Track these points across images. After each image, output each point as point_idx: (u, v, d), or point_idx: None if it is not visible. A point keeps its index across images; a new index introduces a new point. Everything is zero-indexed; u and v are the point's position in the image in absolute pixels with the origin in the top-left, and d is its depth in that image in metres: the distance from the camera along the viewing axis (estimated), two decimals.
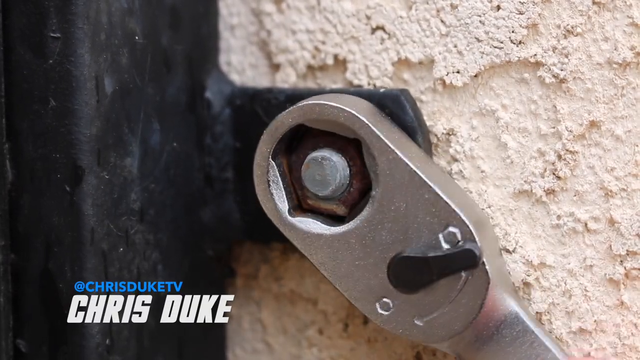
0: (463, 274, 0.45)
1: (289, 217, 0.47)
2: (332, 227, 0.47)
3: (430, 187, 0.45)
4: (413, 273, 0.45)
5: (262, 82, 0.55)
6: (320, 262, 0.47)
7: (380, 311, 0.46)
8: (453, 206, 0.45)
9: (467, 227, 0.44)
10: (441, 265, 0.44)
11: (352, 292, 0.47)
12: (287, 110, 0.47)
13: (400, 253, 0.45)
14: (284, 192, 0.48)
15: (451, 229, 0.45)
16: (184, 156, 0.52)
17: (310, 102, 0.47)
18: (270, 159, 0.47)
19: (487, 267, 0.45)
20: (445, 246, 0.45)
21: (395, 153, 0.45)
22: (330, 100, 0.47)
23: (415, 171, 0.45)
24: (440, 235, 0.45)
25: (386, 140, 0.45)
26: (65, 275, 0.47)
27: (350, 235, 0.46)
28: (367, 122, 0.46)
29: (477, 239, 0.44)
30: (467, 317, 0.45)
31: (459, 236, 0.45)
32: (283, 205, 0.48)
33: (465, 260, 0.44)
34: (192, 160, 0.52)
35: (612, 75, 0.46)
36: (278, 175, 0.48)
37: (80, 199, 0.46)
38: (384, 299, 0.46)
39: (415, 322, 0.46)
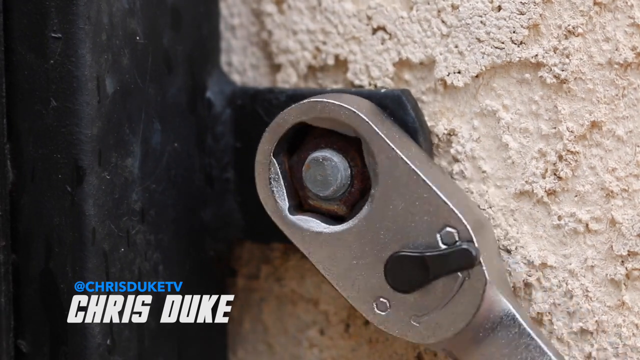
0: (460, 274, 0.45)
1: (289, 215, 0.47)
2: (331, 226, 0.47)
3: (429, 186, 0.45)
4: (410, 272, 0.45)
5: (263, 82, 0.55)
6: (318, 261, 0.47)
7: (377, 311, 0.46)
8: (451, 206, 0.45)
9: (465, 227, 0.44)
10: (438, 265, 0.44)
11: (350, 292, 0.47)
12: (288, 108, 0.47)
13: (397, 252, 0.45)
14: (284, 191, 0.48)
15: (449, 229, 0.45)
16: (184, 156, 0.52)
17: (311, 100, 0.47)
18: (272, 157, 0.47)
19: (484, 267, 0.45)
20: (443, 246, 0.45)
21: (395, 152, 0.45)
22: (332, 98, 0.47)
23: (414, 170, 0.45)
24: (438, 235, 0.45)
25: (386, 139, 0.45)
26: (66, 276, 0.47)
27: (349, 233, 0.46)
28: (367, 120, 0.46)
29: (474, 239, 0.44)
30: (463, 318, 0.45)
31: (456, 236, 0.45)
32: (283, 203, 0.48)
33: (462, 261, 0.44)
34: (193, 160, 0.52)
35: (613, 75, 0.46)
36: (279, 173, 0.48)
37: (81, 199, 0.46)
38: (381, 299, 0.46)
39: (412, 322, 0.46)
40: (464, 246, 0.44)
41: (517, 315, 0.45)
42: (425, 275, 0.45)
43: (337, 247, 0.47)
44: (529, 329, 0.45)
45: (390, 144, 0.45)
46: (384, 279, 0.46)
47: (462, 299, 0.45)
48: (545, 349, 0.45)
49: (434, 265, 0.44)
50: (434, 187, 0.45)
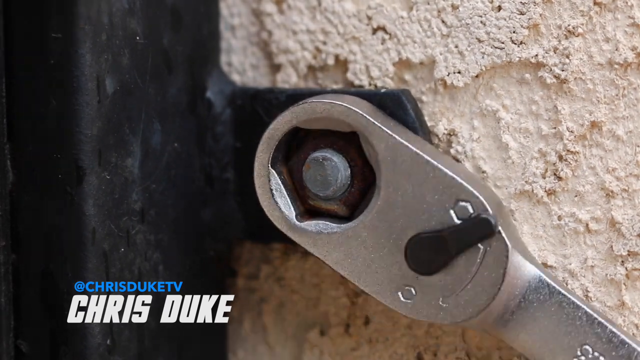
0: (481, 245, 0.44)
1: (298, 223, 0.47)
2: (343, 224, 0.47)
3: (434, 165, 0.45)
4: (431, 253, 0.45)
5: (263, 82, 0.55)
6: (335, 262, 0.47)
7: (404, 300, 0.46)
8: (459, 180, 0.44)
9: (477, 198, 0.44)
10: (458, 240, 0.44)
11: (373, 287, 0.46)
12: (279, 116, 0.47)
13: (414, 236, 0.45)
14: (288, 199, 0.48)
15: (461, 203, 0.44)
16: (184, 156, 0.52)
17: (301, 103, 0.47)
18: (270, 167, 0.47)
19: (503, 234, 0.44)
20: (458, 221, 0.44)
21: (394, 138, 0.45)
22: (327, 98, 0.47)
23: (416, 152, 0.45)
24: (452, 212, 0.44)
25: (382, 127, 0.45)
26: (66, 276, 0.47)
27: (362, 229, 0.46)
28: (361, 112, 0.46)
29: (489, 207, 0.44)
30: (491, 289, 0.44)
31: (470, 209, 0.44)
32: (289, 212, 0.47)
33: (481, 230, 0.43)
34: (193, 160, 0.52)
35: (613, 75, 0.46)
36: (280, 182, 0.47)
37: (81, 199, 0.46)
38: (406, 287, 0.46)
39: (441, 304, 0.45)
40: (481, 216, 0.44)
41: (544, 276, 0.45)
42: (447, 252, 0.44)
43: (351, 244, 0.46)
44: (558, 287, 0.45)
45: (388, 131, 0.45)
46: (405, 267, 0.45)
47: (487, 271, 0.44)
48: (578, 302, 0.45)
49: (454, 241, 0.44)
50: (439, 165, 0.45)
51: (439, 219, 0.45)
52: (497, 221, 0.43)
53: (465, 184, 0.44)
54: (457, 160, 0.50)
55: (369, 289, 0.46)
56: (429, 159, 0.45)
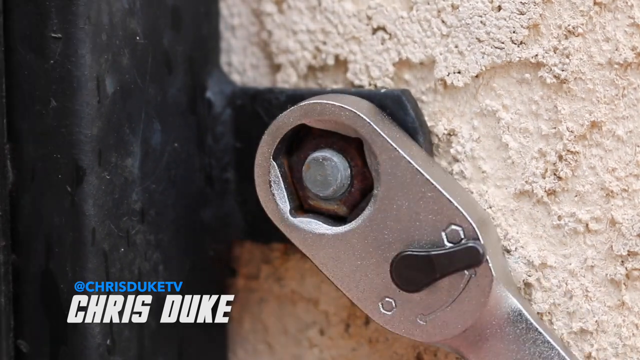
0: (466, 272, 0.45)
1: (291, 218, 0.47)
2: (334, 227, 0.47)
3: (433, 185, 0.45)
4: (416, 272, 0.45)
5: (263, 82, 0.55)
6: (321, 263, 0.47)
7: (382, 311, 0.46)
8: (455, 204, 0.45)
9: (470, 225, 0.44)
10: (444, 264, 0.44)
11: (354, 293, 0.47)
12: (288, 110, 0.47)
13: (403, 252, 0.45)
14: (285, 193, 0.48)
15: (454, 227, 0.45)
16: (184, 156, 0.52)
17: (311, 101, 0.47)
18: (272, 159, 0.47)
19: (490, 264, 0.45)
20: (448, 244, 0.45)
21: (397, 151, 0.45)
22: (332, 99, 0.47)
23: (417, 169, 0.45)
24: (443, 234, 0.45)
25: (388, 139, 0.45)
26: (66, 276, 0.47)
27: (352, 234, 0.46)
28: (369, 120, 0.46)
29: (480, 236, 0.44)
30: (470, 316, 0.45)
31: (461, 234, 0.45)
32: (284, 205, 0.48)
33: (468, 258, 0.44)
34: (193, 160, 0.52)
35: (613, 75, 0.46)
36: (279, 175, 0.48)
37: (81, 199, 0.46)
38: (387, 299, 0.46)
39: (418, 321, 0.46)
40: (470, 244, 0.44)
41: (524, 311, 0.45)
42: (432, 274, 0.45)
43: (340, 248, 0.47)
44: (536, 324, 0.45)
45: (393, 144, 0.45)
46: (389, 279, 0.46)
47: (469, 297, 0.45)
48: (553, 343, 0.45)
49: (441, 264, 0.44)
50: (437, 186, 0.45)
51: (430, 239, 0.45)
52: (485, 251, 0.44)
53: (460, 208, 0.45)
54: (457, 160, 0.50)
55: (351, 295, 0.47)
56: (428, 178, 0.45)
